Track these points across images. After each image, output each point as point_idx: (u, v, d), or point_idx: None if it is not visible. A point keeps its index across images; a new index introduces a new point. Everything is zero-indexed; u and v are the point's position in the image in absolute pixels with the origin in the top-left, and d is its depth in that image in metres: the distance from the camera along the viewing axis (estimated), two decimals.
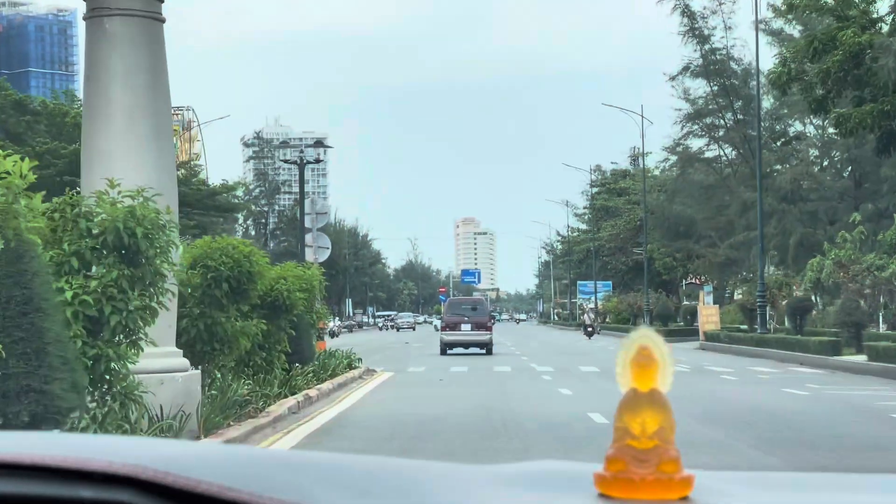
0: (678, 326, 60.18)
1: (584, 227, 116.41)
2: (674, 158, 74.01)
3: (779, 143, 61.12)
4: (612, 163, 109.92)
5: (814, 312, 38.79)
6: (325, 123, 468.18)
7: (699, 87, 63.68)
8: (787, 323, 41.63)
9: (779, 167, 58.59)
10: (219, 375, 14.02)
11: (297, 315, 18.34)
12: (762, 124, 63.77)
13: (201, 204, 54.55)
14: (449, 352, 38.92)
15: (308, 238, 26.68)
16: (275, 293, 17.17)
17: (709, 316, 44.40)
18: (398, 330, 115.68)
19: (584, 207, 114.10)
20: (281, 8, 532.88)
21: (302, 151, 29.13)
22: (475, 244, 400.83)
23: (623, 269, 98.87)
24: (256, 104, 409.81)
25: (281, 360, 17.65)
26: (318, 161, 28.56)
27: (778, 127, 61.50)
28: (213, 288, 13.73)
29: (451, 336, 39.37)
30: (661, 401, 1.23)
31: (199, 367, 13.36)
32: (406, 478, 1.25)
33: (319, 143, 27.76)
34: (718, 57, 61.87)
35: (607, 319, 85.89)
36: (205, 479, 1.11)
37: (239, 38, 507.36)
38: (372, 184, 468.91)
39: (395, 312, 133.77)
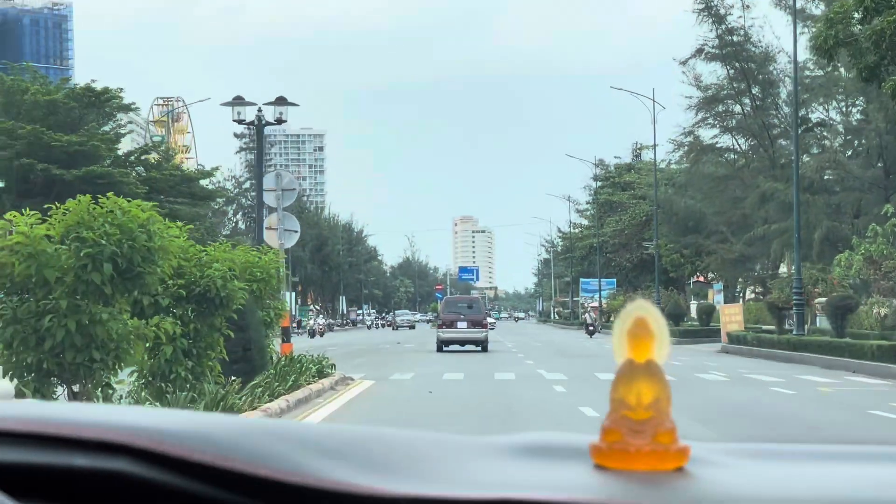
0: (693, 326, 55.71)
1: (586, 223, 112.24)
2: (682, 151, 70.00)
3: (800, 130, 56.72)
4: (615, 157, 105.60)
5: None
6: (323, 120, 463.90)
7: (712, 73, 59.49)
8: (821, 323, 37.35)
9: (806, 158, 54.26)
10: (100, 398, 9.64)
11: (240, 311, 13.93)
12: (779, 111, 59.67)
13: (175, 191, 50.01)
14: (445, 349, 39.15)
15: (272, 219, 22.31)
16: (204, 282, 12.85)
17: (731, 315, 40.04)
18: (395, 328, 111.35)
19: (587, 202, 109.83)
20: (281, 6, 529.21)
21: (260, 111, 24.57)
22: (473, 242, 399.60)
23: (628, 267, 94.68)
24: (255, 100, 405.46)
25: (215, 372, 13.30)
26: (279, 122, 24.02)
27: (801, 112, 57.07)
28: (91, 270, 9.38)
29: (447, 333, 39.73)
30: (657, 372, 1.22)
31: (73, 385, 9.06)
32: (401, 447, 1.26)
33: (282, 101, 23.10)
34: (735, 38, 57.50)
35: (611, 319, 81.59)
36: (199, 448, 1.12)
37: (236, 36, 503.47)
38: (370, 182, 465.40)
39: (369, 310, 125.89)
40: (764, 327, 44.90)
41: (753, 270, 70.19)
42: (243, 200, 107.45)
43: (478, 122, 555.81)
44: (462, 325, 39.61)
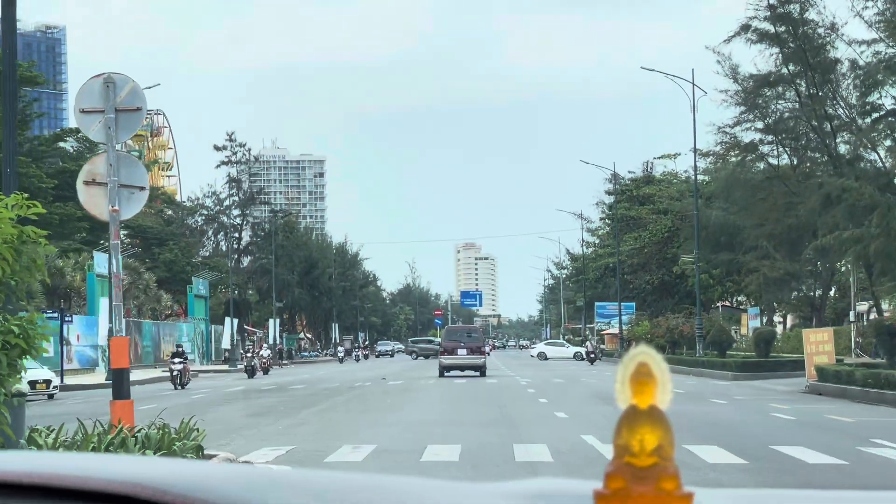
0: (749, 357, 45.69)
1: (598, 241, 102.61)
2: (712, 157, 60.71)
3: (869, 119, 47.10)
4: (628, 171, 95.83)
5: None
6: (325, 147, 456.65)
7: (760, 54, 50.14)
8: None
9: (881, 151, 44.74)
10: None
11: None
12: (840, 100, 50.20)
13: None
14: (446, 374, 41.16)
15: (96, 165, 12.35)
16: None
17: (819, 344, 30.28)
18: (377, 356, 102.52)
19: (601, 219, 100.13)
20: (283, 37, 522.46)
21: None
22: (476, 269, 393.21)
23: (648, 289, 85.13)
24: (257, 129, 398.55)
25: None
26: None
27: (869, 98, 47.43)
28: None
29: (448, 360, 41.94)
30: (660, 417, 1.21)
31: None
32: (402, 494, 1.26)
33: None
34: (790, 10, 47.92)
35: (632, 346, 71.72)
36: (201, 498, 1.13)
37: (241, 65, 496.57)
38: (371, 209, 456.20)
39: (344, 339, 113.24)
40: (847, 360, 35.28)
41: (799, 290, 60.80)
42: (224, 220, 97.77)
43: (479, 148, 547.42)
44: (462, 351, 41.82)
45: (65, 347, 53.18)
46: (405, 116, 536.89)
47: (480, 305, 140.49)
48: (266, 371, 52.10)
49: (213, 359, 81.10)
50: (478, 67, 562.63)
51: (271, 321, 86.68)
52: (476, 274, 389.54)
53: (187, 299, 79.18)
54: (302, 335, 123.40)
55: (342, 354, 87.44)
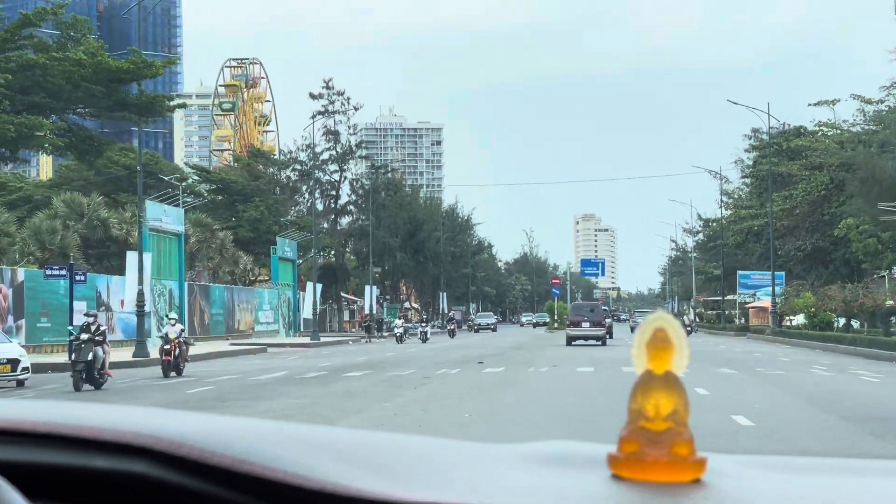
0: None
1: (735, 204, 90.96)
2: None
3: None
4: (770, 127, 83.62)
5: None
6: (443, 115, 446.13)
7: None
8: None
9: None
10: None
11: None
12: None
13: (88, 94, 28.95)
14: (573, 343, 47.46)
15: None
16: None
17: None
18: (476, 331, 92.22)
19: (744, 177, 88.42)
20: (408, 5, 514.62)
21: None
22: (595, 241, 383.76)
23: (800, 256, 73.59)
24: (376, 97, 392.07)
25: None
26: None
27: None
28: None
29: (574, 331, 48.76)
30: (676, 383, 1.23)
31: None
32: (418, 454, 1.28)
33: None
34: None
35: (792, 322, 60.48)
36: (218, 451, 1.14)
37: (361, 35, 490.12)
38: (489, 179, 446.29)
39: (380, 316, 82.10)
40: None
41: None
42: (321, 176, 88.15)
43: (601, 120, 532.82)
44: (586, 325, 48.73)
45: (105, 314, 44.25)
46: (525, 86, 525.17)
47: (602, 275, 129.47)
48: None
49: (302, 330, 71.76)
50: (602, 36, 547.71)
51: (367, 288, 76.91)
52: (595, 245, 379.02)
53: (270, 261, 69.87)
54: (408, 304, 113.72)
55: (398, 332, 59.53)
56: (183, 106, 38.64)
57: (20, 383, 24.68)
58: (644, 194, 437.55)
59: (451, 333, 72.27)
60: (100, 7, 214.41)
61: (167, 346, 27.93)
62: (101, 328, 24.77)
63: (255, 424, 1.28)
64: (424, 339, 58.78)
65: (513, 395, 18.61)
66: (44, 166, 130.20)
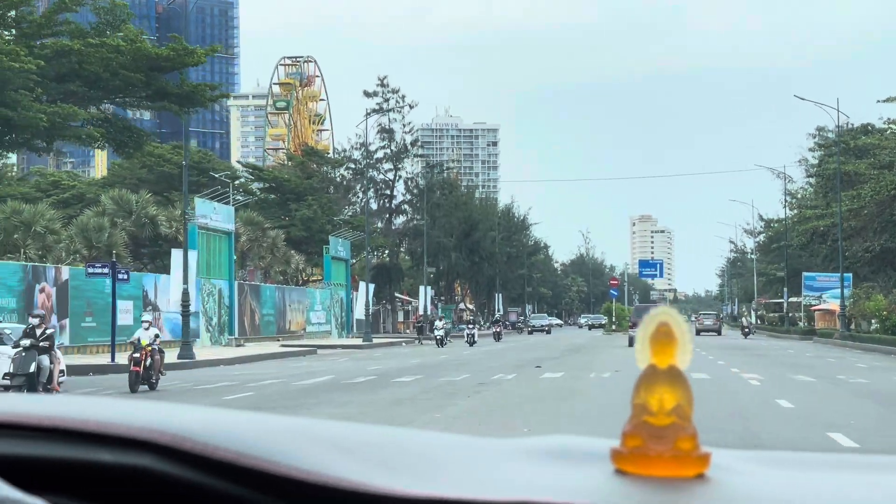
0: None
1: (798, 204, 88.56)
2: None
3: None
4: (836, 125, 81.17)
5: None
6: (499, 116, 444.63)
7: None
8: None
9: None
10: None
11: None
12: None
13: (126, 83, 27.35)
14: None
15: None
16: None
17: None
18: (531, 333, 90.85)
19: (808, 177, 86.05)
20: (466, 7, 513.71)
21: None
22: (652, 242, 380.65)
23: (867, 257, 71.23)
24: (431, 98, 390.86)
25: None
26: None
27: None
28: None
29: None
30: (679, 377, 1.22)
31: None
32: (421, 448, 1.28)
33: None
34: None
35: (872, 324, 58.18)
36: (222, 446, 1.14)
37: (419, 37, 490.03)
38: (545, 179, 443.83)
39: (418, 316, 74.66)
40: None
41: None
42: (375, 174, 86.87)
43: (656, 121, 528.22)
44: None
45: (153, 314, 43.15)
46: (581, 87, 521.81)
47: (661, 276, 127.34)
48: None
49: (354, 331, 70.47)
50: (659, 37, 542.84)
51: (421, 288, 75.46)
52: (652, 247, 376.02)
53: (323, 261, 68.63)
54: (463, 305, 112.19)
55: (438, 333, 55.30)
56: (226, 96, 37.43)
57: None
58: (702, 195, 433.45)
59: (497, 336, 67.00)
60: (159, 8, 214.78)
61: (136, 355, 23.03)
62: (49, 331, 20.51)
63: (259, 419, 1.27)
64: (472, 342, 54.74)
65: (576, 406, 17.04)
66: (99, 165, 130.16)
